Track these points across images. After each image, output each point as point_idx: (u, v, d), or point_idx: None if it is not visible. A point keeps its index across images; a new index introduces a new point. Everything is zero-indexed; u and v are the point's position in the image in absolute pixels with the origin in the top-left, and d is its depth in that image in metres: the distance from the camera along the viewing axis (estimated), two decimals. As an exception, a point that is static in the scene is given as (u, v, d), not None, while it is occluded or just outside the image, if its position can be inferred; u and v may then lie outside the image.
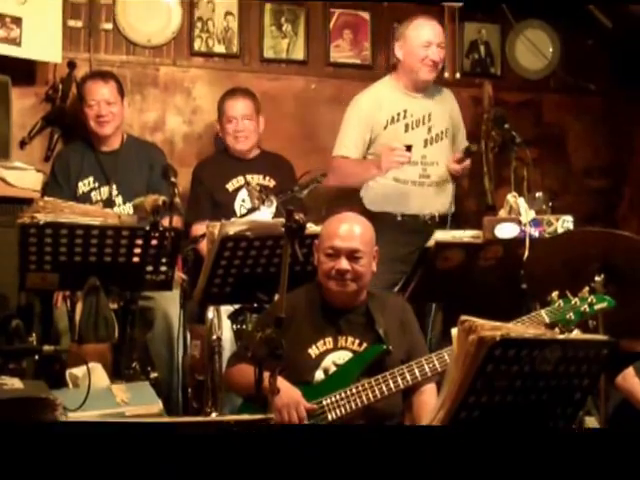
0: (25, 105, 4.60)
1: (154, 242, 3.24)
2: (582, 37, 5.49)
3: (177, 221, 3.47)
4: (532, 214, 3.54)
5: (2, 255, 3.53)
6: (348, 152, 4.28)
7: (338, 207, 3.52)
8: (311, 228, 3.28)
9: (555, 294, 2.98)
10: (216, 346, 3.61)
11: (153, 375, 3.44)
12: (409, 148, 4.01)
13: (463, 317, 2.48)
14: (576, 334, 2.84)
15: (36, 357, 3.27)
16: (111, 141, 4.36)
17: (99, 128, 4.30)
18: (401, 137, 4.25)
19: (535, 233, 3.51)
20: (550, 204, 3.85)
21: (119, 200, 4.25)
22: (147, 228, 3.23)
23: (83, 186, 4.28)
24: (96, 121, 4.29)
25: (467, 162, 4.26)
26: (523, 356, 2.40)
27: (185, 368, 3.59)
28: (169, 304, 3.70)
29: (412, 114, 4.30)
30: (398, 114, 4.29)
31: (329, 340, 3.13)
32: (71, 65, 4.57)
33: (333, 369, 3.09)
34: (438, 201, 4.26)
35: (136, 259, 3.26)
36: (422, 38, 4.25)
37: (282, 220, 2.89)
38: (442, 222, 4.18)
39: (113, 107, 4.31)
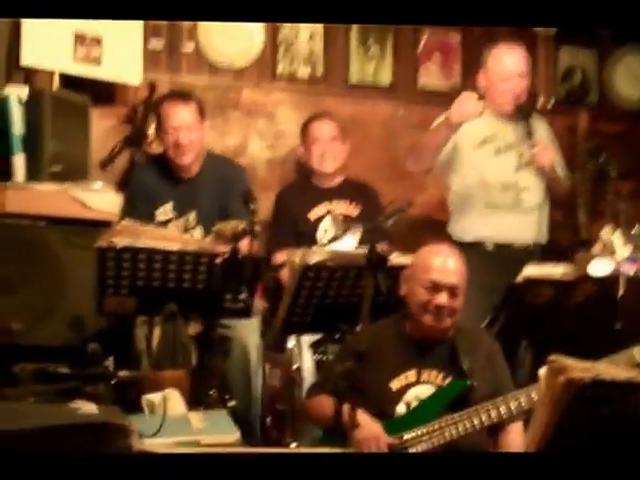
0: (105, 126, 4.68)
1: (233, 269, 3.33)
2: (685, 65, 5.47)
3: (257, 248, 3.55)
4: (627, 250, 3.54)
5: (80, 278, 3.62)
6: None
7: (425, 236, 3.56)
8: (397, 258, 3.36)
9: (649, 332, 2.99)
10: (296, 376, 3.68)
11: (231, 404, 3.49)
12: (481, 97, 4.02)
13: (552, 357, 2.51)
14: (670, 376, 2.84)
15: (112, 382, 3.37)
16: (189, 168, 4.26)
17: (178, 158, 4.19)
18: (493, 159, 4.27)
19: (630, 271, 3.50)
20: (648, 240, 3.83)
21: (198, 232, 4.19)
22: (227, 255, 3.33)
23: (160, 214, 4.23)
24: (175, 150, 4.18)
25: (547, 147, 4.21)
26: (614, 399, 2.43)
27: (264, 397, 3.65)
28: (248, 332, 3.75)
29: (503, 138, 4.29)
30: (487, 137, 4.28)
31: (412, 373, 3.18)
32: (151, 87, 4.64)
33: (415, 403, 3.14)
34: (532, 229, 4.24)
35: (215, 286, 3.35)
36: (504, 69, 4.24)
37: (364, 251, 2.97)
38: (536, 252, 4.18)
39: (193, 133, 4.18)
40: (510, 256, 4.15)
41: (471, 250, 3.85)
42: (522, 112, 4.22)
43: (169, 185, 4.26)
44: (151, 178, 4.28)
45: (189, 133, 4.18)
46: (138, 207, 4.19)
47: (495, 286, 3.93)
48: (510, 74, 4.23)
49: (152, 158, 4.42)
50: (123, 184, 4.56)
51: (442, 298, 3.16)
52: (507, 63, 4.25)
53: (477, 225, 4.26)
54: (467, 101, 4.00)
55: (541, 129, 4.40)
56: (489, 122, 4.30)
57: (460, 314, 3.21)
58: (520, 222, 4.23)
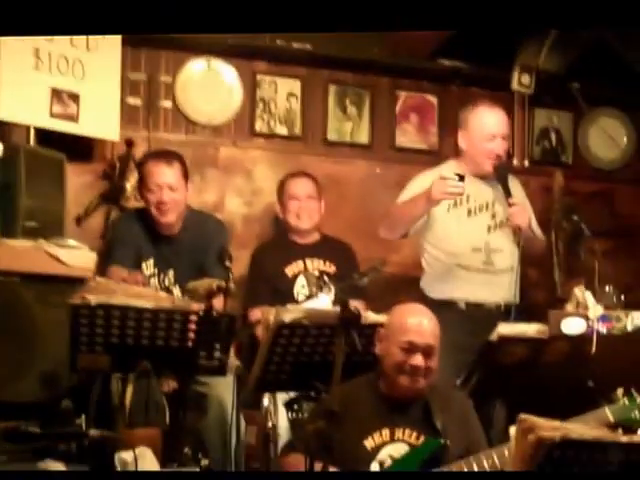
0: (82, 182, 4.73)
1: (208, 327, 3.35)
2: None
3: (232, 306, 3.57)
4: (600, 309, 3.58)
5: (54, 334, 3.65)
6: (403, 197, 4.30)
7: (400, 295, 3.60)
8: (371, 317, 3.40)
9: (620, 391, 3.01)
10: (271, 434, 3.69)
11: (204, 462, 3.50)
12: (462, 178, 4.01)
13: (522, 416, 2.55)
14: (641, 435, 2.87)
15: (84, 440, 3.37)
16: (171, 226, 4.29)
17: (160, 216, 4.22)
18: (464, 221, 4.31)
19: (603, 329, 3.54)
20: (622, 298, 3.88)
21: (176, 291, 4.22)
22: (201, 313, 3.34)
23: (145, 268, 4.27)
24: (157, 208, 4.21)
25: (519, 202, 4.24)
26: (583, 458, 2.46)
27: (239, 455, 3.65)
28: (223, 389, 3.75)
29: (475, 199, 4.31)
30: (461, 198, 4.27)
31: (386, 432, 3.20)
32: (129, 143, 4.68)
33: (389, 462, 3.16)
34: (503, 290, 4.27)
35: (189, 344, 3.35)
36: (486, 131, 4.27)
37: (338, 309, 3.01)
38: (508, 312, 4.19)
39: (176, 193, 4.22)
40: (482, 316, 4.18)
41: (443, 309, 3.88)
42: (501, 172, 4.26)
43: (151, 241, 4.30)
44: (136, 231, 4.32)
45: (172, 192, 4.22)
46: (126, 254, 4.24)
47: (467, 345, 3.96)
48: (492, 135, 4.27)
49: (136, 212, 4.43)
50: (101, 240, 4.57)
51: (418, 359, 3.19)
52: (489, 124, 4.29)
53: (449, 285, 4.30)
54: (450, 181, 4.03)
55: (516, 189, 4.43)
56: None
57: (435, 374, 3.25)
58: (491, 283, 4.27)
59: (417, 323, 3.24)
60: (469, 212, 4.33)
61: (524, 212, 4.22)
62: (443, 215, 4.32)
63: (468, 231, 4.31)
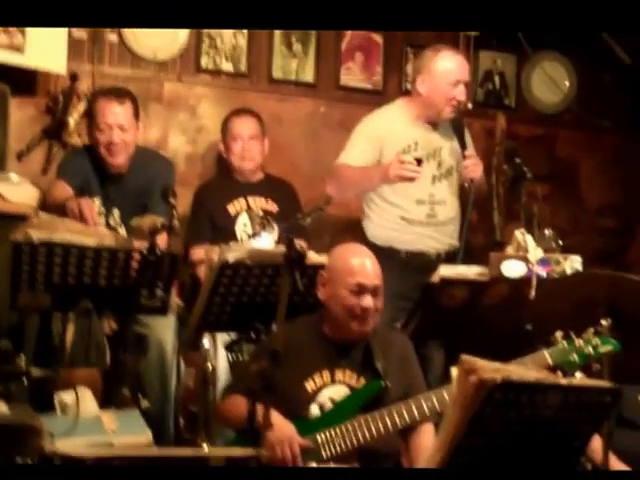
0: (24, 116, 4.59)
1: (150, 265, 3.27)
2: (599, 71, 5.57)
3: (175, 244, 3.49)
4: (540, 252, 3.58)
5: (-4, 271, 3.56)
6: (353, 161, 4.18)
7: (342, 237, 3.55)
8: (313, 257, 3.35)
9: (559, 334, 3.01)
10: (210, 376, 3.64)
11: (144, 403, 3.44)
12: (420, 162, 3.96)
13: (463, 357, 2.52)
14: (579, 377, 2.88)
15: (24, 380, 3.29)
16: (120, 165, 4.15)
17: (109, 157, 4.08)
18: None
19: (542, 272, 3.54)
20: (560, 242, 3.88)
21: (122, 230, 4.07)
22: (144, 251, 3.26)
23: None
24: (107, 148, 4.06)
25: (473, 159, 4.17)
26: (523, 400, 2.45)
27: (178, 398, 3.61)
28: (164, 330, 3.69)
29: (423, 147, 4.23)
30: (409, 146, 4.21)
31: (326, 374, 3.17)
32: (73, 77, 4.54)
33: (329, 404, 3.13)
34: (445, 240, 4.25)
35: (131, 282, 3.29)
36: (451, 76, 4.17)
37: (283, 249, 2.95)
38: (448, 260, 4.14)
39: (127, 134, 4.07)
40: (422, 264, 4.13)
41: (384, 254, 3.81)
42: (457, 123, 4.21)
43: (98, 180, 4.17)
44: (84, 168, 4.18)
45: (123, 133, 4.08)
46: (74, 178, 4.11)
47: (406, 292, 4.00)
48: (457, 81, 4.18)
49: (85, 149, 4.29)
50: (42, 175, 4.47)
51: (368, 300, 3.14)
52: (454, 69, 4.20)
53: (391, 234, 4.25)
54: (409, 165, 3.95)
55: (467, 138, 4.38)
56: (413, 129, 4.26)
57: (380, 314, 3.21)
58: (433, 235, 4.23)
59: (363, 264, 3.19)
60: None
61: (479, 165, 4.16)
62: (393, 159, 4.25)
63: (414, 182, 4.21)
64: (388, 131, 4.21)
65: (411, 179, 3.97)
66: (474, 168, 4.12)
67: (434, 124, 4.27)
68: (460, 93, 4.19)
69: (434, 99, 4.20)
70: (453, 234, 4.26)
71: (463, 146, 4.15)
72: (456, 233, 4.26)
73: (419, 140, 4.23)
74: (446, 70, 4.19)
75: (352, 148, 4.22)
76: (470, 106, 5.25)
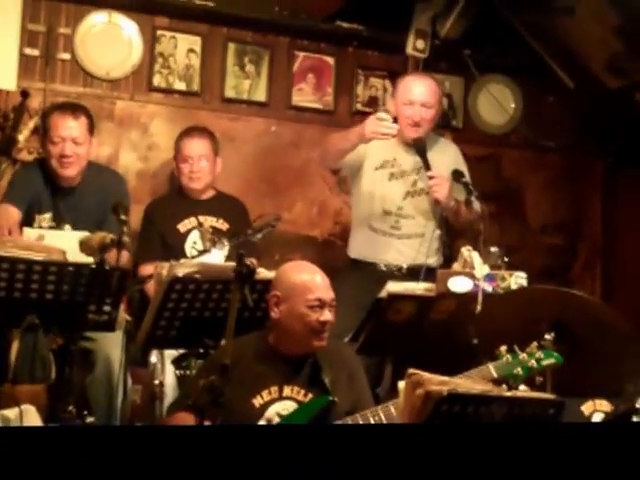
0: (-27, 132, 4.52)
1: (99, 280, 3.19)
2: (544, 94, 5.63)
3: (125, 260, 3.43)
4: (486, 269, 3.57)
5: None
6: None
7: (292, 254, 3.51)
8: (263, 273, 3.30)
9: (503, 348, 3.01)
10: (158, 392, 3.57)
11: (89, 420, 3.36)
12: (395, 120, 4.08)
13: (411, 370, 2.50)
14: (523, 390, 2.87)
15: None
16: (72, 179, 4.13)
17: (61, 169, 4.05)
18: (384, 184, 4.30)
19: (488, 288, 3.53)
20: (505, 259, 3.87)
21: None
22: (93, 266, 3.19)
23: (42, 220, 4.09)
24: (59, 161, 4.03)
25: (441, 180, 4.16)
26: (469, 412, 2.43)
27: (124, 414, 3.52)
28: (111, 346, 3.61)
29: (400, 164, 4.31)
30: (387, 161, 4.32)
31: (274, 389, 3.11)
32: (24, 94, 4.49)
33: (277, 419, 3.07)
34: (408, 253, 4.26)
35: (79, 298, 3.20)
36: (406, 96, 4.26)
37: (233, 264, 2.89)
38: (411, 275, 4.14)
39: (80, 147, 4.05)
40: (380, 276, 4.14)
41: (354, 267, 3.94)
42: (419, 145, 4.21)
43: (49, 194, 4.12)
44: (35, 182, 4.13)
45: (75, 146, 4.05)
46: (21, 198, 4.05)
47: (365, 303, 3.94)
48: (410, 101, 4.24)
49: (37, 163, 4.25)
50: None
51: (327, 314, 3.12)
52: (409, 90, 4.28)
53: (360, 244, 4.34)
54: (385, 122, 4.01)
55: (448, 156, 4.39)
56: (392, 146, 4.31)
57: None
58: (394, 247, 4.27)
59: (319, 280, 3.18)
60: (391, 176, 4.32)
61: (443, 185, 4.13)
62: (370, 173, 4.33)
63: (385, 194, 4.30)
64: (370, 145, 4.25)
65: (386, 135, 4.03)
66: (437, 189, 4.12)
67: (412, 145, 4.30)
68: (414, 113, 4.23)
69: (398, 119, 4.24)
70: (419, 249, 4.26)
71: (427, 167, 4.16)
72: (424, 250, 4.23)
73: (397, 157, 4.32)
74: (402, 91, 4.31)
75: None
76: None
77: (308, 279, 3.16)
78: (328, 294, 3.14)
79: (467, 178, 4.23)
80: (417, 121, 4.23)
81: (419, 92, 4.27)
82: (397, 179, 4.31)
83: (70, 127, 4.05)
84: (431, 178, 4.12)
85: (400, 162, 4.32)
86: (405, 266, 4.24)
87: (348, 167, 4.38)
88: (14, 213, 3.99)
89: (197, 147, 4.51)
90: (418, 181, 4.29)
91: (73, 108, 4.14)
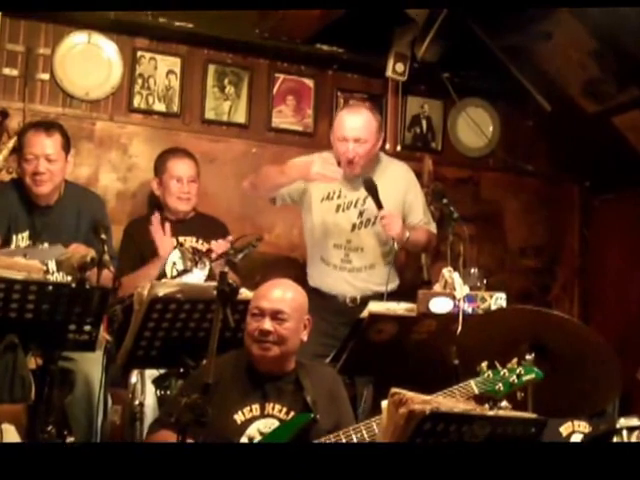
0: (-48, 152, 4.51)
1: (79, 300, 3.19)
2: (522, 118, 5.70)
3: (106, 279, 3.43)
4: (466, 290, 3.60)
5: None
6: None
7: (273, 275, 3.53)
8: (244, 294, 3.31)
9: (484, 364, 3.03)
10: (138, 412, 3.56)
11: (69, 440, 3.35)
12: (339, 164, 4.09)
13: (394, 389, 2.52)
14: (505, 406, 2.89)
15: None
16: (47, 197, 4.12)
17: (35, 186, 4.04)
18: (332, 216, 4.28)
19: (469, 309, 3.56)
20: (485, 281, 3.91)
21: (51, 264, 3.86)
22: (73, 285, 3.18)
23: (20, 240, 4.07)
24: (32, 178, 4.02)
25: (391, 218, 4.14)
26: (452, 430, 2.45)
27: (104, 434, 3.51)
28: (91, 366, 3.59)
29: (346, 195, 4.29)
30: (333, 192, 4.29)
31: (256, 407, 3.13)
32: (3, 114, 4.52)
33: (258, 437, 3.08)
34: (360, 285, 4.27)
35: (59, 317, 3.19)
36: (339, 132, 4.21)
37: (215, 283, 2.90)
38: (364, 304, 4.03)
39: (53, 164, 4.03)
40: (338, 306, 4.24)
41: (312, 294, 3.84)
42: (368, 185, 4.15)
43: (26, 213, 4.11)
44: (11, 202, 4.12)
45: (49, 163, 4.04)
46: None
47: (328, 331, 4.07)
48: (344, 137, 4.18)
49: (12, 183, 4.25)
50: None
51: (264, 323, 3.14)
52: (342, 127, 4.21)
53: (316, 275, 4.35)
54: (331, 166, 4.04)
55: (398, 179, 4.37)
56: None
57: (292, 344, 3.18)
58: (347, 279, 4.29)
59: (268, 290, 3.22)
60: (338, 208, 4.31)
61: (394, 222, 4.13)
62: (317, 205, 4.32)
63: (333, 227, 4.29)
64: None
65: (329, 179, 4.06)
66: (390, 227, 4.11)
67: (357, 175, 4.26)
68: (349, 150, 4.17)
69: (335, 153, 4.25)
70: (370, 280, 4.28)
71: (378, 206, 4.12)
72: (378, 279, 4.26)
73: (342, 188, 4.29)
74: (336, 127, 4.27)
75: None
76: (399, 148, 5.37)
77: (259, 290, 3.23)
78: (270, 304, 3.16)
79: (419, 200, 4.32)
80: (350, 158, 4.18)
81: (351, 127, 4.19)
82: (344, 211, 4.29)
83: (43, 145, 4.04)
84: (382, 218, 4.10)
85: (345, 193, 4.29)
86: (359, 297, 4.24)
87: (287, 197, 4.36)
88: None
89: (187, 168, 4.54)
90: (364, 212, 4.27)
91: (47, 126, 4.14)
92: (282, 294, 3.21)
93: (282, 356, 3.17)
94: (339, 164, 4.21)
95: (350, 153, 4.17)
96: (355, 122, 4.20)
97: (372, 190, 4.13)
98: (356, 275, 4.28)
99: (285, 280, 3.33)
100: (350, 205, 4.28)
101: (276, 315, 3.15)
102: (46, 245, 4.03)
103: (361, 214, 4.28)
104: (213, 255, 3.82)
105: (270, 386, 3.17)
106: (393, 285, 4.29)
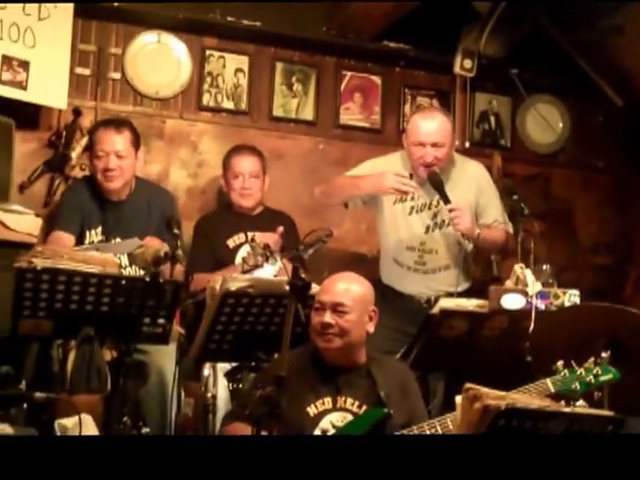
0: (27, 149, 4.61)
1: (153, 294, 3.23)
2: (592, 114, 5.64)
3: (178, 273, 3.47)
4: (539, 286, 3.56)
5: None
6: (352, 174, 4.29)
7: (340, 269, 3.53)
8: (315, 289, 3.31)
9: (560, 363, 3.01)
10: (210, 405, 3.59)
11: (144, 431, 3.39)
12: (411, 177, 4.07)
13: (468, 385, 2.50)
14: (581, 405, 2.86)
15: (25, 405, 3.23)
16: (118, 193, 4.22)
17: (106, 182, 4.15)
18: (405, 219, 4.26)
19: (541, 305, 3.52)
20: (556, 278, 3.87)
21: (123, 258, 3.86)
22: (147, 279, 3.23)
23: (93, 235, 4.17)
24: (103, 175, 4.13)
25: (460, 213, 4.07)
26: (527, 427, 2.42)
27: (178, 426, 3.55)
28: (164, 359, 3.65)
29: (419, 197, 4.25)
30: (408, 195, 4.23)
31: (328, 400, 3.15)
32: (76, 112, 4.60)
33: (331, 430, 3.10)
34: (434, 287, 4.25)
35: (134, 310, 3.24)
36: (415, 137, 4.15)
37: (286, 278, 2.92)
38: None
39: (123, 160, 4.14)
40: (411, 306, 4.23)
41: (383, 290, 3.95)
42: (434, 181, 4.11)
43: (98, 208, 4.21)
44: (84, 198, 4.23)
45: (119, 160, 4.15)
46: (73, 219, 4.16)
47: (398, 327, 4.06)
48: (423, 143, 4.13)
49: (84, 180, 4.35)
50: (44, 207, 4.51)
51: (326, 316, 3.16)
52: (418, 132, 4.15)
53: (388, 274, 4.34)
54: (404, 179, 4.02)
55: (471, 179, 4.32)
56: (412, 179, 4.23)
57: (356, 336, 3.18)
58: (421, 281, 4.27)
59: (328, 284, 3.25)
60: (411, 210, 4.28)
61: (464, 216, 4.07)
62: (389, 207, 4.30)
63: (407, 229, 4.27)
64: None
65: (405, 192, 4.05)
66: (458, 221, 4.05)
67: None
68: (426, 154, 4.12)
69: (410, 157, 4.21)
70: (444, 281, 4.26)
71: (445, 201, 4.07)
72: (451, 280, 4.23)
73: (417, 190, 4.22)
74: (411, 132, 4.19)
75: (356, 170, 4.32)
76: (467, 145, 5.33)
77: (323, 284, 3.26)
78: (330, 297, 3.18)
79: (494, 200, 4.28)
80: (430, 162, 4.13)
81: (427, 132, 4.13)
82: (417, 213, 4.26)
83: (113, 141, 4.15)
84: (451, 211, 4.04)
85: (418, 195, 4.24)
86: (433, 298, 4.20)
87: (359, 200, 4.34)
88: (67, 239, 4.10)
89: (248, 164, 4.56)
90: (438, 214, 4.23)
91: (117, 123, 4.26)
92: (343, 287, 3.22)
93: (346, 348, 3.18)
94: (413, 168, 4.19)
95: (428, 157, 4.12)
96: (431, 126, 4.15)
97: (438, 184, 4.10)
98: (430, 277, 4.27)
99: (347, 273, 3.34)
100: (424, 207, 4.25)
101: (336, 308, 3.17)
102: (118, 240, 4.12)
103: (435, 216, 4.25)
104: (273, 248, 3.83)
105: (342, 379, 3.18)
106: (466, 285, 4.28)
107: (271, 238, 4.14)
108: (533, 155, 5.57)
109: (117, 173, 4.14)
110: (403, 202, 4.24)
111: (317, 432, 3.09)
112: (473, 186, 4.32)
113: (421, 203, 4.25)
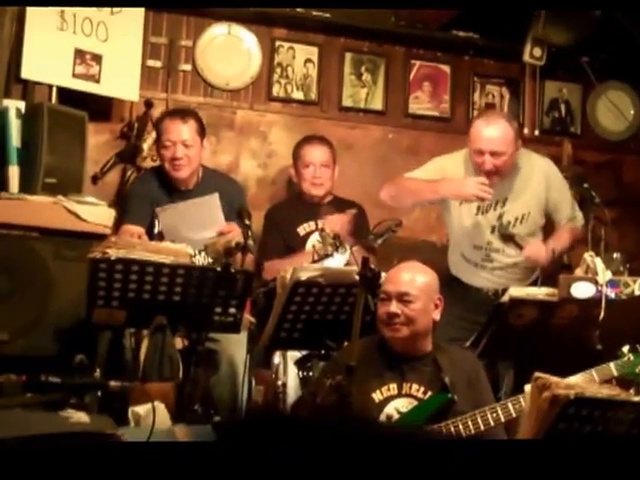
0: (100, 141, 4.69)
1: (225, 283, 3.27)
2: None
3: (249, 263, 3.50)
4: (609, 274, 3.51)
5: (71, 289, 3.54)
6: (418, 175, 4.21)
7: (410, 258, 3.53)
8: (384, 278, 3.32)
9: (626, 348, 2.98)
10: (281, 392, 3.63)
11: (216, 419, 3.44)
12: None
13: (537, 374, 2.49)
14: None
15: (99, 393, 3.29)
16: (186, 181, 4.27)
17: (174, 171, 4.19)
18: (471, 218, 4.21)
19: (611, 294, 3.47)
20: (627, 266, 3.81)
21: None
22: (218, 269, 3.27)
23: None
24: (171, 164, 4.18)
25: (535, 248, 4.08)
26: (596, 416, 2.40)
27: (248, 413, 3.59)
28: (235, 347, 3.69)
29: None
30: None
31: (393, 386, 3.16)
32: (148, 104, 4.65)
33: (396, 416, 3.11)
34: (501, 282, 4.21)
35: (205, 299, 3.29)
36: (475, 144, 4.06)
37: (356, 268, 2.93)
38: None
39: (190, 149, 4.18)
40: (479, 297, 4.21)
41: (453, 282, 3.95)
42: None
43: (167, 197, 4.24)
44: (152, 188, 4.28)
45: (186, 149, 4.19)
46: (141, 210, 4.20)
47: (466, 316, 4.06)
48: (480, 150, 4.04)
49: (153, 170, 4.41)
50: (117, 197, 4.57)
51: (390, 306, 3.17)
52: (478, 139, 4.06)
53: (456, 266, 4.34)
54: (485, 186, 3.96)
55: (538, 176, 4.22)
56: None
57: (422, 324, 3.19)
58: (488, 276, 4.25)
59: (393, 274, 3.25)
60: (478, 209, 4.21)
61: (539, 255, 4.06)
62: (456, 207, 4.24)
63: (473, 229, 4.22)
64: (454, 172, 4.18)
65: (483, 199, 4.01)
66: (537, 262, 4.11)
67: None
68: (486, 163, 4.04)
69: (471, 160, 4.13)
70: (513, 276, 4.22)
71: (518, 247, 4.09)
72: (520, 275, 4.21)
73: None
74: (472, 138, 4.09)
75: (421, 171, 4.24)
76: (537, 133, 5.27)
77: (388, 274, 3.25)
78: (395, 287, 3.19)
79: (564, 194, 4.21)
80: (488, 169, 4.04)
81: (488, 139, 4.03)
82: (483, 214, 4.20)
83: (180, 131, 4.19)
84: (527, 259, 4.06)
85: None
86: (500, 290, 4.14)
87: (427, 202, 4.33)
88: (137, 230, 4.13)
89: (319, 154, 4.59)
90: (504, 214, 4.17)
91: (182, 113, 4.30)
92: (407, 276, 3.23)
93: (412, 336, 3.19)
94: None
95: (487, 165, 4.05)
96: (492, 133, 4.04)
97: (509, 239, 4.11)
98: (498, 273, 4.24)
99: (412, 262, 3.35)
100: (489, 208, 4.19)
101: (402, 297, 3.18)
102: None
103: (501, 216, 4.20)
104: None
105: (407, 366, 3.20)
106: (534, 276, 4.25)
107: (340, 219, 4.16)
108: (604, 142, 5.50)
109: (184, 162, 4.18)
110: (469, 202, 4.17)
111: (382, 418, 3.10)
112: (542, 182, 4.23)
113: (487, 204, 4.18)
